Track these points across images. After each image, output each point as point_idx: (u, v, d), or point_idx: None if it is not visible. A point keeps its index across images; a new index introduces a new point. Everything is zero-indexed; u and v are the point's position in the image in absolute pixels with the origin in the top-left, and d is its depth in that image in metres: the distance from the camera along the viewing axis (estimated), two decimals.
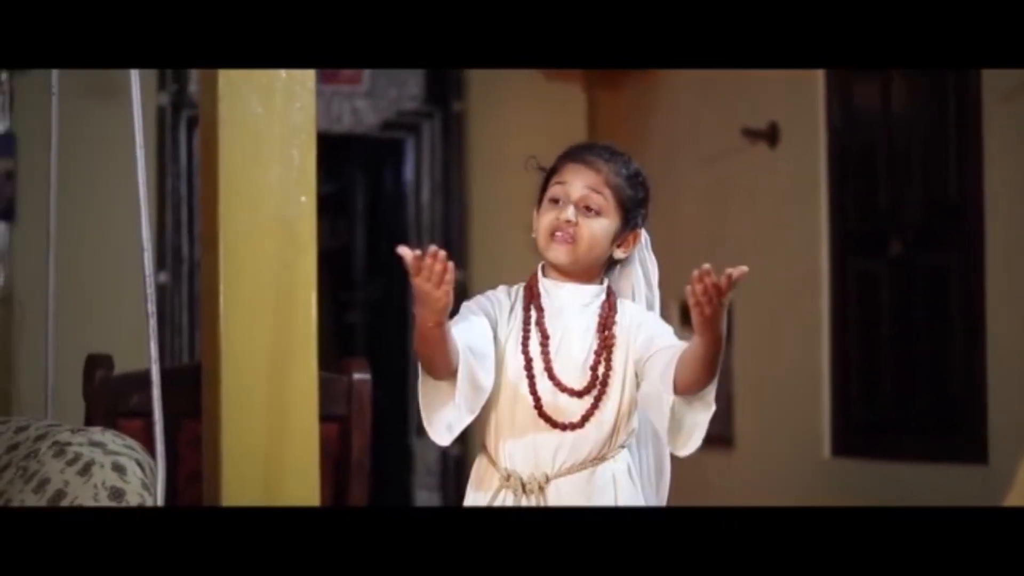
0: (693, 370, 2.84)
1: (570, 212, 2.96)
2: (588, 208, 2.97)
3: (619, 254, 3.04)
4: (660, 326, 3.04)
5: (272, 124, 3.85)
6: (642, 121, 7.68)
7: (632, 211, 3.02)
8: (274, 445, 3.81)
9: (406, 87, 7.84)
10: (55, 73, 3.73)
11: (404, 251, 2.75)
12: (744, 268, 2.70)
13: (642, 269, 3.12)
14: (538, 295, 3.02)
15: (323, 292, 3.99)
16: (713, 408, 2.91)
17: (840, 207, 6.44)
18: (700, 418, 2.90)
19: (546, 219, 2.99)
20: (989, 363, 5.67)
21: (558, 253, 2.98)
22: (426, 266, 2.73)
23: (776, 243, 6.68)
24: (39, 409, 3.86)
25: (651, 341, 2.98)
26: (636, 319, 3.03)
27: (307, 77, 3.87)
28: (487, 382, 2.94)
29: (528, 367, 2.96)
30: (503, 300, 3.04)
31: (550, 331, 2.98)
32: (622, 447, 3.00)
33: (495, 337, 2.99)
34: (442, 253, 2.73)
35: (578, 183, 2.98)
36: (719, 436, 6.59)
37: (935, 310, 5.98)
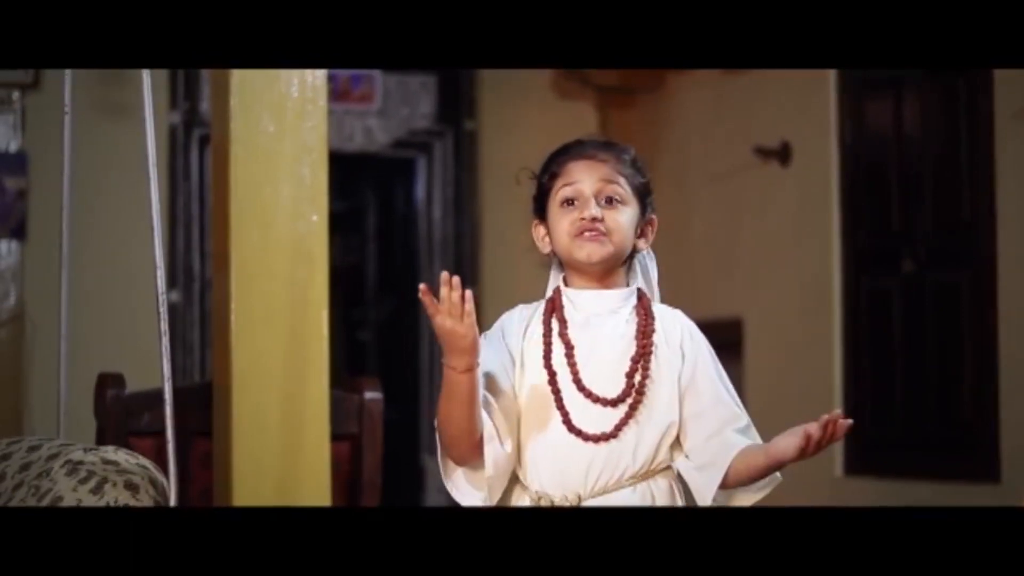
0: (750, 476, 2.91)
1: (594, 208, 2.79)
2: (609, 200, 2.81)
3: (641, 245, 2.88)
4: (718, 389, 2.96)
5: (284, 142, 3.85)
6: (654, 139, 7.68)
7: (645, 197, 2.88)
8: (285, 464, 3.80)
9: (418, 106, 7.84)
10: (67, 91, 3.73)
11: (423, 294, 2.64)
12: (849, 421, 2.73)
13: (640, 266, 2.93)
14: (561, 307, 2.84)
15: (335, 310, 3.99)
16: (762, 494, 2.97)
17: (852, 225, 6.44)
18: (743, 498, 2.94)
19: (565, 222, 2.82)
20: (1001, 381, 5.66)
21: (590, 250, 2.80)
22: (443, 299, 2.62)
23: (788, 261, 6.67)
24: (51, 428, 3.85)
25: (704, 406, 2.90)
26: (692, 340, 2.88)
27: (319, 95, 3.87)
28: (512, 461, 2.80)
29: (553, 381, 2.78)
30: (515, 320, 2.87)
31: (575, 341, 2.80)
32: (667, 467, 2.84)
33: (512, 362, 2.84)
34: (456, 279, 2.62)
35: (589, 178, 2.82)
36: None
37: (947, 328, 5.97)
